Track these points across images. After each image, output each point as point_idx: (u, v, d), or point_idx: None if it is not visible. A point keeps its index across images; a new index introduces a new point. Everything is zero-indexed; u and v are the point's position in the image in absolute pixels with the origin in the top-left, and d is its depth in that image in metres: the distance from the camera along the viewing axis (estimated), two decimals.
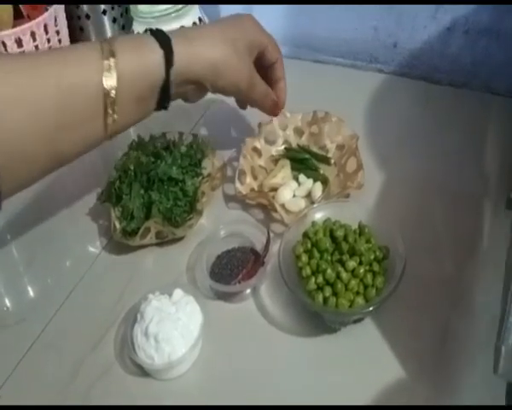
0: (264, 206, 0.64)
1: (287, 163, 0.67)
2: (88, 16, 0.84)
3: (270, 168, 0.68)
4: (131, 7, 0.84)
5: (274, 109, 0.65)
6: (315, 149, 0.70)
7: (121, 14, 0.87)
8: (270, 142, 0.70)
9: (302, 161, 0.68)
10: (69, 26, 0.81)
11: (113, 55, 0.49)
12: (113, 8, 0.85)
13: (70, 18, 0.82)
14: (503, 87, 0.77)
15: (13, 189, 0.49)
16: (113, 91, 0.49)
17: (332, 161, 0.68)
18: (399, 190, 0.66)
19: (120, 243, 0.60)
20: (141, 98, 0.52)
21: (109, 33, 0.86)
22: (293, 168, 0.67)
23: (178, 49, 0.53)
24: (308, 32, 0.87)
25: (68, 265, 0.63)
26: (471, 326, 0.52)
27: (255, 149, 0.69)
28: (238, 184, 0.64)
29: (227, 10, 0.92)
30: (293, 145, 0.70)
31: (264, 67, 0.63)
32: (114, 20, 0.86)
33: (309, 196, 0.65)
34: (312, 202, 0.64)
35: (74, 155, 0.52)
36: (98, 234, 0.64)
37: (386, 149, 0.71)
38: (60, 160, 0.51)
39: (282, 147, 0.70)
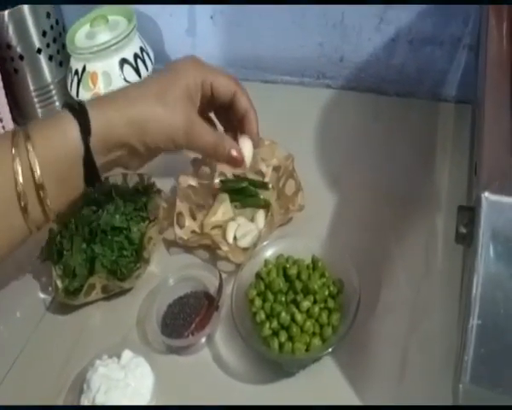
0: (207, 245, 0.62)
1: (225, 197, 0.65)
2: (21, 57, 0.80)
3: (209, 205, 0.66)
4: (67, 42, 0.81)
5: (232, 160, 0.54)
6: (251, 176, 0.68)
7: (58, 51, 0.83)
8: (206, 176, 0.68)
9: (240, 190, 0.66)
10: (2, 70, 0.77)
11: (25, 149, 0.46)
12: (48, 46, 0.82)
13: (3, 61, 0.79)
14: (449, 94, 0.77)
15: None
16: (28, 182, 0.46)
17: (270, 186, 0.67)
18: (351, 210, 0.65)
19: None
20: (61, 180, 0.48)
21: (46, 72, 0.83)
22: (232, 200, 0.65)
23: (95, 115, 0.48)
24: (254, 53, 0.85)
25: (9, 331, 0.59)
26: (429, 353, 0.51)
27: (191, 187, 0.66)
28: (178, 230, 0.62)
29: (169, 36, 0.89)
30: (229, 176, 0.68)
31: (224, 106, 0.56)
32: (51, 58, 0.82)
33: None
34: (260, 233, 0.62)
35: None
36: (41, 293, 0.61)
37: (339, 165, 0.70)
38: None
39: (218, 180, 0.67)
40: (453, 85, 0.75)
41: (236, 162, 0.54)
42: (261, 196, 0.66)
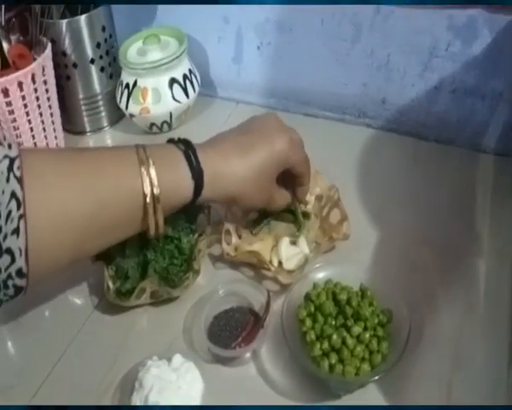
0: (252, 264, 0.63)
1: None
2: (75, 65, 0.82)
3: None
4: (120, 57, 0.83)
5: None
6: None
7: (109, 64, 0.86)
8: None
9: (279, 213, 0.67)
10: (55, 75, 0.79)
11: (149, 169, 0.52)
12: (101, 58, 0.84)
13: (57, 66, 0.80)
14: (488, 145, 0.78)
15: (36, 281, 0.50)
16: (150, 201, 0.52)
17: (312, 215, 0.68)
18: (393, 248, 0.65)
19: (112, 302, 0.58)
20: (166, 210, 0.55)
21: (96, 83, 0.85)
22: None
23: (207, 185, 0.56)
24: (297, 85, 0.87)
25: (57, 327, 0.60)
26: (475, 392, 0.51)
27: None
28: (225, 245, 0.63)
29: (215, 62, 0.92)
30: None
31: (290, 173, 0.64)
32: (102, 70, 0.85)
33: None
34: (306, 258, 0.63)
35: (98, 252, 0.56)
36: (89, 293, 0.61)
37: (376, 203, 0.72)
38: (83, 258, 0.55)
39: None
40: (493, 138, 0.77)
41: None
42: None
